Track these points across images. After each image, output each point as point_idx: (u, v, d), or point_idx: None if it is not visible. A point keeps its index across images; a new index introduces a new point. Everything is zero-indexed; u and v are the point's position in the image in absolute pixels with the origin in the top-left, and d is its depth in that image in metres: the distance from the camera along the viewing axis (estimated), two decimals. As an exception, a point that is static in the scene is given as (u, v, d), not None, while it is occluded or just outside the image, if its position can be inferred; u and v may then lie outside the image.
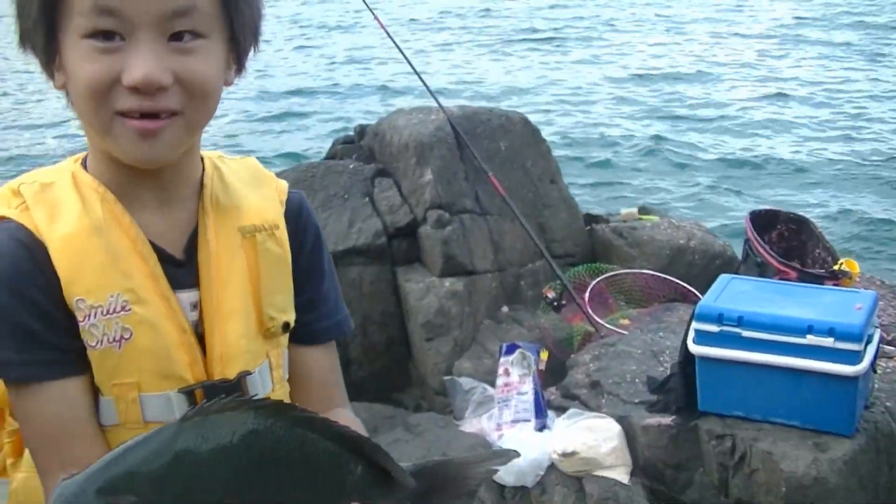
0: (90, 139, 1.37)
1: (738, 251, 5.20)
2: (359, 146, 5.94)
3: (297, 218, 1.53)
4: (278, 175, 1.59)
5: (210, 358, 1.38)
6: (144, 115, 1.26)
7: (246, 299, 1.42)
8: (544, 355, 4.42)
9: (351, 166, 5.53)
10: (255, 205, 1.47)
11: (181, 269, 1.39)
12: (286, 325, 1.48)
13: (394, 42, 6.13)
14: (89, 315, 1.29)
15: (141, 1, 1.22)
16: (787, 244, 4.95)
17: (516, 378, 4.13)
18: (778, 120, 12.77)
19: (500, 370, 4.23)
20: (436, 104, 5.52)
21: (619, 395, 3.86)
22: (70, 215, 1.32)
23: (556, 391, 4.19)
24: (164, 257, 1.37)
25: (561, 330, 4.81)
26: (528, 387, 4.07)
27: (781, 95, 14.03)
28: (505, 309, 5.14)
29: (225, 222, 1.43)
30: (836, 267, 4.64)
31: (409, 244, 5.20)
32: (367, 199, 5.28)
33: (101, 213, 1.33)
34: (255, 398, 1.04)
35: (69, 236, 1.30)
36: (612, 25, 23.17)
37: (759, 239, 4.72)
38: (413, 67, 6.02)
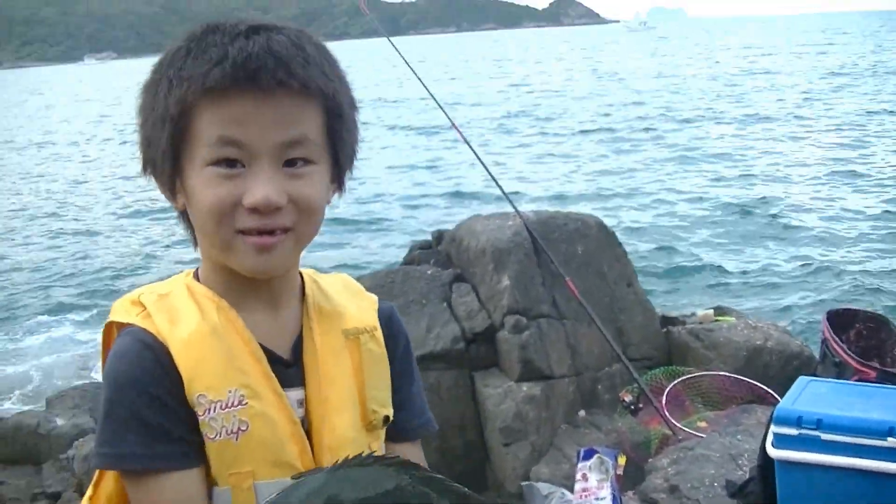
0: (205, 253, 1.52)
1: (816, 351, 5.18)
2: (436, 251, 6.06)
3: (388, 325, 1.67)
4: (357, 280, 1.74)
5: (319, 448, 1.49)
6: (261, 232, 1.41)
7: (352, 395, 1.55)
8: (622, 460, 4.40)
9: (429, 272, 5.65)
10: (354, 312, 1.62)
11: (288, 369, 1.51)
12: (386, 419, 1.60)
13: (472, 149, 6.28)
14: (209, 409, 1.41)
15: (262, 133, 1.39)
16: (866, 343, 4.91)
17: (594, 483, 4.13)
18: (853, 225, 12.71)
19: (579, 475, 4.23)
20: (512, 209, 5.63)
21: (698, 500, 3.85)
22: (189, 320, 1.46)
23: (635, 496, 4.19)
24: (272, 358, 1.50)
25: (638, 434, 4.82)
26: (607, 492, 4.06)
27: (852, 206, 13.97)
28: (582, 413, 5.16)
29: (329, 326, 1.57)
30: (916, 367, 4.60)
31: (487, 349, 5.27)
32: (445, 304, 5.37)
33: (217, 318, 1.47)
34: (389, 456, 1.14)
35: (189, 338, 1.44)
36: (688, 121, 23.22)
37: (836, 338, 4.70)
38: (490, 172, 6.15)
